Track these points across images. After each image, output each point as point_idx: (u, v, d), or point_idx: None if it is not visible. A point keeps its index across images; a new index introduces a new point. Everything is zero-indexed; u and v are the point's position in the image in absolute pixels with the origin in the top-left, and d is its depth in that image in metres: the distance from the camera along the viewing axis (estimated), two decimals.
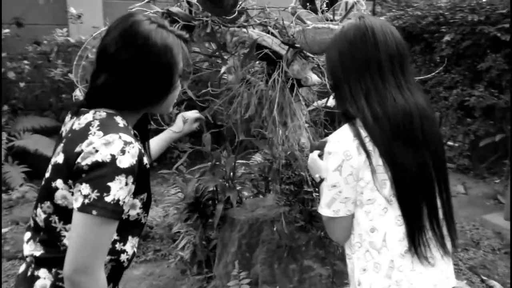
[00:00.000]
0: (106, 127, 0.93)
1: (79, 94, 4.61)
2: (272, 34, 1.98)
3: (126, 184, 0.89)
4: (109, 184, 0.86)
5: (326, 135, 2.36)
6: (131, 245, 1.03)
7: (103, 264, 0.92)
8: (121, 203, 0.89)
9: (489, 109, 3.99)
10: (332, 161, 1.04)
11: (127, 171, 0.88)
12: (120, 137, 0.90)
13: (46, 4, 4.54)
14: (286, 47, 1.94)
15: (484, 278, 2.52)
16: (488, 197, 3.93)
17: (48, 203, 0.96)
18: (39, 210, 0.99)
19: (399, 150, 1.02)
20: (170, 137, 1.58)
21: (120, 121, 0.98)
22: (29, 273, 0.99)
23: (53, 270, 0.98)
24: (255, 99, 2.10)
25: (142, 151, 0.97)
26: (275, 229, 2.03)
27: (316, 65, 2.01)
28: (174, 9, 1.92)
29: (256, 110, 2.16)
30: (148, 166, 1.00)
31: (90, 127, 0.94)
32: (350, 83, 1.08)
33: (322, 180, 1.25)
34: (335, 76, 1.14)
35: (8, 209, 3.38)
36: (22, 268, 1.03)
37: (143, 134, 1.15)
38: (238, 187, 2.42)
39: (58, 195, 0.94)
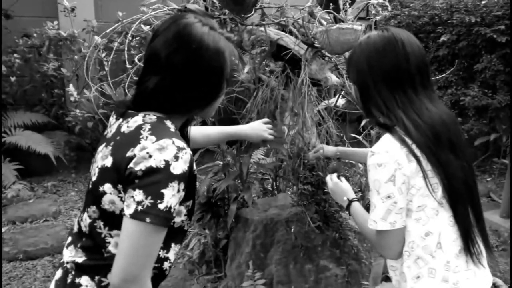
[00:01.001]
0: (158, 131, 0.91)
1: (72, 89, 4.48)
2: (291, 33, 1.97)
3: (178, 191, 0.87)
4: (163, 191, 0.84)
5: (337, 135, 2.37)
6: (174, 253, 1.01)
7: (150, 272, 0.89)
8: (172, 210, 0.86)
9: (483, 108, 4.08)
10: (384, 172, 1.03)
11: (180, 178, 0.86)
12: (173, 143, 0.88)
13: None
14: (305, 46, 1.93)
15: None
16: (480, 195, 4.02)
17: (94, 208, 0.93)
18: (85, 215, 0.96)
19: (444, 155, 1.05)
20: (236, 135, 1.56)
21: (170, 125, 0.96)
22: (69, 280, 0.96)
23: (96, 277, 0.95)
24: (272, 100, 2.09)
25: (193, 156, 0.95)
26: (291, 230, 2.02)
27: (333, 65, 2.01)
28: (192, 6, 1.88)
29: (269, 109, 2.15)
30: (196, 172, 0.98)
31: (141, 131, 0.91)
32: (382, 94, 1.10)
33: (350, 202, 1.29)
34: (363, 86, 1.14)
35: (2, 207, 3.27)
36: (58, 274, 1.00)
37: (184, 137, 1.12)
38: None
39: (105, 199, 0.91)
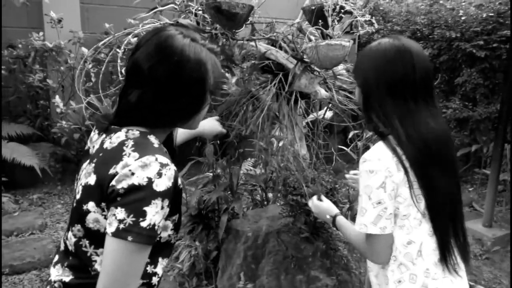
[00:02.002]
0: (141, 147, 0.90)
1: (58, 101, 4.43)
2: (280, 47, 2.02)
3: (162, 207, 0.85)
4: (145, 208, 0.83)
5: (324, 146, 2.42)
6: (161, 267, 0.99)
7: None
8: (156, 227, 0.85)
9: (463, 120, 4.21)
10: (376, 179, 1.07)
11: (163, 195, 0.85)
12: (156, 159, 0.86)
13: (22, 6, 4.36)
14: (294, 61, 1.98)
15: (472, 284, 2.64)
16: (463, 205, 4.12)
17: (78, 226, 0.92)
18: (70, 234, 0.95)
19: (431, 169, 1.09)
20: (194, 133, 1.59)
21: (154, 140, 0.94)
22: None
23: None
24: (260, 112, 2.13)
25: (177, 172, 0.94)
26: (281, 240, 2.04)
27: (322, 80, 2.06)
28: (184, 21, 1.92)
29: (258, 122, 2.18)
30: (181, 186, 0.96)
31: (124, 147, 0.90)
32: (383, 102, 1.11)
33: (334, 218, 1.36)
34: (367, 91, 1.16)
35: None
36: None
37: (170, 150, 1.11)
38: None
39: (89, 218, 0.90)
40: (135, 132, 0.94)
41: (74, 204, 0.94)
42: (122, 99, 0.96)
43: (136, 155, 0.87)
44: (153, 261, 0.96)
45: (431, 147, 1.08)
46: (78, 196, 0.92)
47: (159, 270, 0.98)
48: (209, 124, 1.72)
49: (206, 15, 1.97)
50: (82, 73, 3.34)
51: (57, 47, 4.36)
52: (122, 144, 0.91)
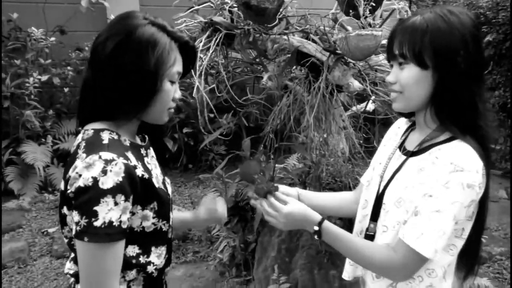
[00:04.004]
0: (89, 147, 0.89)
1: None
2: (313, 40, 1.99)
3: (116, 204, 0.84)
4: (95, 208, 0.82)
5: (366, 140, 2.36)
6: (156, 255, 0.99)
7: (117, 284, 0.89)
8: (115, 224, 0.84)
9: None
10: (469, 195, 0.89)
11: (113, 191, 0.83)
12: (100, 157, 0.85)
13: (88, 11, 4.72)
14: (327, 53, 1.95)
15: None
16: None
17: (67, 228, 0.95)
18: (63, 235, 1.00)
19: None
20: (187, 222, 1.28)
21: (106, 136, 0.92)
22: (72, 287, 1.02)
23: None
24: (296, 105, 2.12)
25: (132, 163, 0.90)
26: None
27: (357, 71, 2.01)
28: (217, 18, 1.97)
29: (295, 115, 2.18)
30: (145, 176, 0.92)
31: (79, 150, 0.90)
32: (474, 89, 0.92)
33: (320, 227, 1.01)
34: (449, 73, 0.91)
35: (54, 209, 3.54)
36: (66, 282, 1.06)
37: (153, 135, 1.09)
38: None
39: (68, 221, 0.93)
40: (89, 131, 0.93)
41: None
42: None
43: (84, 156, 0.87)
44: (145, 251, 0.96)
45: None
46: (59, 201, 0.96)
47: (153, 258, 0.98)
48: (210, 207, 1.25)
49: (239, 12, 2.00)
50: None
51: None
52: (78, 146, 0.91)
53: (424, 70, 0.93)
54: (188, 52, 1.01)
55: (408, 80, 0.95)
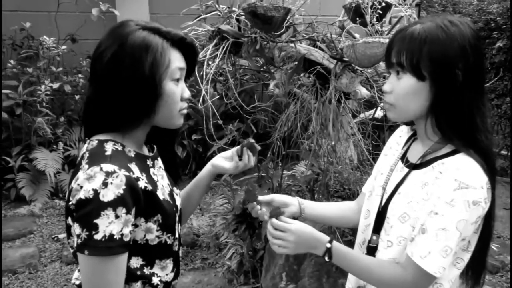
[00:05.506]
0: (92, 159, 0.87)
1: None
2: (320, 48, 2.00)
3: (117, 216, 0.83)
4: (96, 221, 0.81)
5: (374, 147, 2.34)
6: (160, 267, 0.98)
7: None
8: (116, 237, 0.83)
9: None
10: (476, 213, 0.87)
11: (114, 203, 0.82)
12: (101, 169, 0.83)
13: (99, 20, 4.80)
14: (334, 61, 1.95)
15: None
16: None
17: (72, 238, 0.93)
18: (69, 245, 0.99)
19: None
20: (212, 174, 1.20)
21: (109, 147, 0.91)
22: None
23: None
24: (303, 113, 2.12)
25: (135, 175, 0.88)
26: None
27: (364, 78, 2.01)
28: (224, 26, 1.99)
29: (302, 123, 2.18)
30: (149, 188, 0.91)
31: (82, 161, 0.89)
32: (475, 101, 0.89)
33: (329, 250, 0.97)
34: (447, 83, 0.89)
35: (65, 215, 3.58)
36: None
37: (161, 144, 1.08)
38: None
39: (72, 231, 0.91)
40: (94, 142, 0.92)
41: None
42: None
43: (86, 167, 0.85)
44: (149, 263, 0.96)
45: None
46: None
47: (157, 270, 0.97)
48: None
49: (247, 20, 2.02)
50: None
51: None
52: (82, 157, 0.90)
53: (421, 81, 0.90)
54: (188, 48, 0.99)
55: (404, 90, 0.93)
